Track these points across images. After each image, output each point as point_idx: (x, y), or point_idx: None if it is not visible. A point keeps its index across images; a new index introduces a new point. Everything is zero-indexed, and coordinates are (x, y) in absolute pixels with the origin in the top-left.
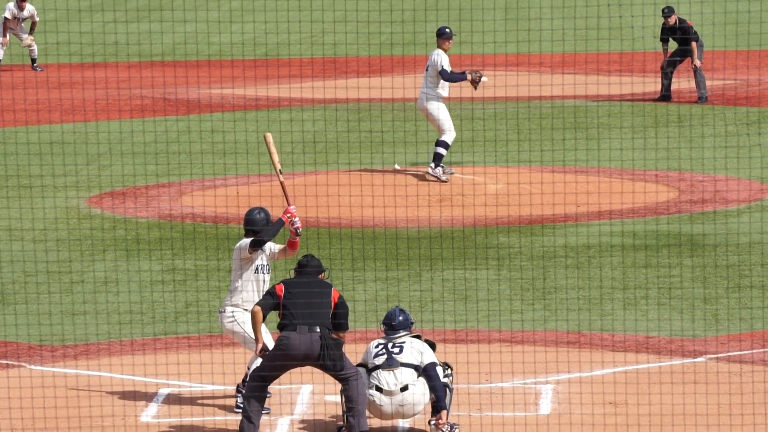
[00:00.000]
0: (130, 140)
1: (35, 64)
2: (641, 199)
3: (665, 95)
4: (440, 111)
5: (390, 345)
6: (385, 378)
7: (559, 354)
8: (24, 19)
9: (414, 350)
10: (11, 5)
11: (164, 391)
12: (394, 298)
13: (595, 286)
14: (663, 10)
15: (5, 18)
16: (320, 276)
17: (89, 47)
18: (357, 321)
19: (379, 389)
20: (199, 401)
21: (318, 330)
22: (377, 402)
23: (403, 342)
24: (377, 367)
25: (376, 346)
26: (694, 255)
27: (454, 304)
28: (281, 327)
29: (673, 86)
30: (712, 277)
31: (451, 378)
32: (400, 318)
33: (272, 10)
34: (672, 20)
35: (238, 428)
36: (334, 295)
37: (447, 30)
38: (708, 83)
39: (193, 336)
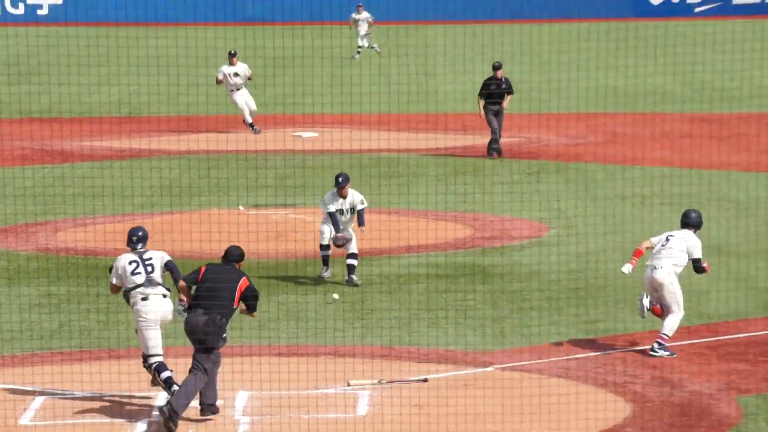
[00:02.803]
0: (12, 185)
1: (254, 127)
2: (443, 235)
3: (497, 149)
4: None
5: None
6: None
7: (374, 365)
8: (236, 75)
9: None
10: (224, 67)
11: (40, 398)
12: (239, 317)
13: (404, 308)
14: (494, 64)
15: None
16: (238, 265)
17: None
18: None
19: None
20: (71, 407)
21: (208, 315)
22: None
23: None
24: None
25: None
26: (485, 282)
27: (287, 323)
28: (189, 307)
29: (481, 141)
30: (499, 301)
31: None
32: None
33: (135, 74)
34: (500, 73)
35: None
36: (243, 284)
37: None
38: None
39: (65, 351)
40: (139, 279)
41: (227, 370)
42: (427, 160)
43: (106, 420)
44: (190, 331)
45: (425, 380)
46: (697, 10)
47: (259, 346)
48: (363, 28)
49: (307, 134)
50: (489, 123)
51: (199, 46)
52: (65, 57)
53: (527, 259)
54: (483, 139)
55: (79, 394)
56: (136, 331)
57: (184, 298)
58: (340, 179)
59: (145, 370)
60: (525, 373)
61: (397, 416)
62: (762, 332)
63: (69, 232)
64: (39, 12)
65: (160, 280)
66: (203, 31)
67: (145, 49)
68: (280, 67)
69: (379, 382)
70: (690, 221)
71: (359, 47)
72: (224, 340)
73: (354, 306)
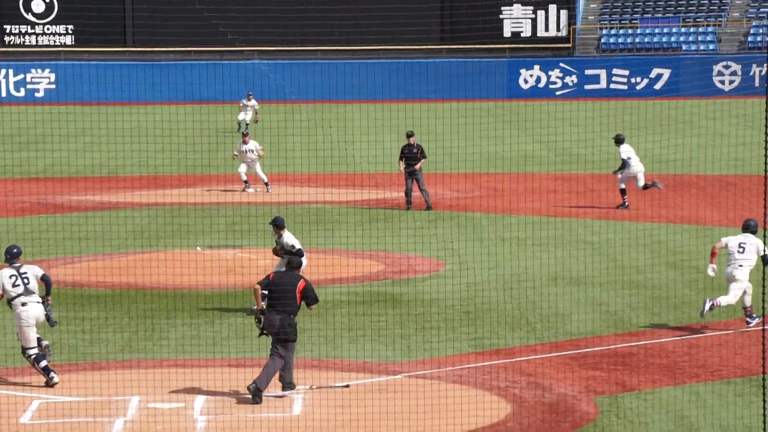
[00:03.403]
0: (14, 231)
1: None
2: (360, 270)
3: (409, 202)
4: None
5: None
6: None
7: (306, 373)
8: (251, 151)
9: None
10: (239, 145)
11: (36, 401)
12: (197, 336)
13: (330, 328)
14: (407, 133)
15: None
16: (298, 271)
17: None
18: (170, 352)
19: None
20: (62, 408)
21: (281, 315)
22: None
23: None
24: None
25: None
26: (395, 307)
27: (236, 340)
28: (267, 308)
29: (390, 195)
30: (406, 322)
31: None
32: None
33: (113, 143)
34: (412, 140)
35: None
36: (300, 285)
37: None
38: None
39: (57, 364)
40: (19, 290)
41: (186, 378)
42: (348, 210)
43: (90, 419)
44: (270, 327)
45: (347, 386)
46: (557, 93)
47: (213, 359)
48: (249, 113)
49: (251, 189)
50: (405, 182)
51: (164, 120)
52: (57, 129)
53: (428, 288)
54: (392, 194)
55: (68, 398)
56: (17, 333)
57: None
58: (270, 222)
59: (31, 363)
60: (427, 379)
61: (325, 415)
62: (613, 346)
63: (60, 269)
64: (36, 94)
65: (35, 290)
66: (167, 109)
67: (121, 123)
68: (229, 136)
69: (311, 387)
70: (750, 228)
71: (246, 124)
72: (295, 332)
73: None
